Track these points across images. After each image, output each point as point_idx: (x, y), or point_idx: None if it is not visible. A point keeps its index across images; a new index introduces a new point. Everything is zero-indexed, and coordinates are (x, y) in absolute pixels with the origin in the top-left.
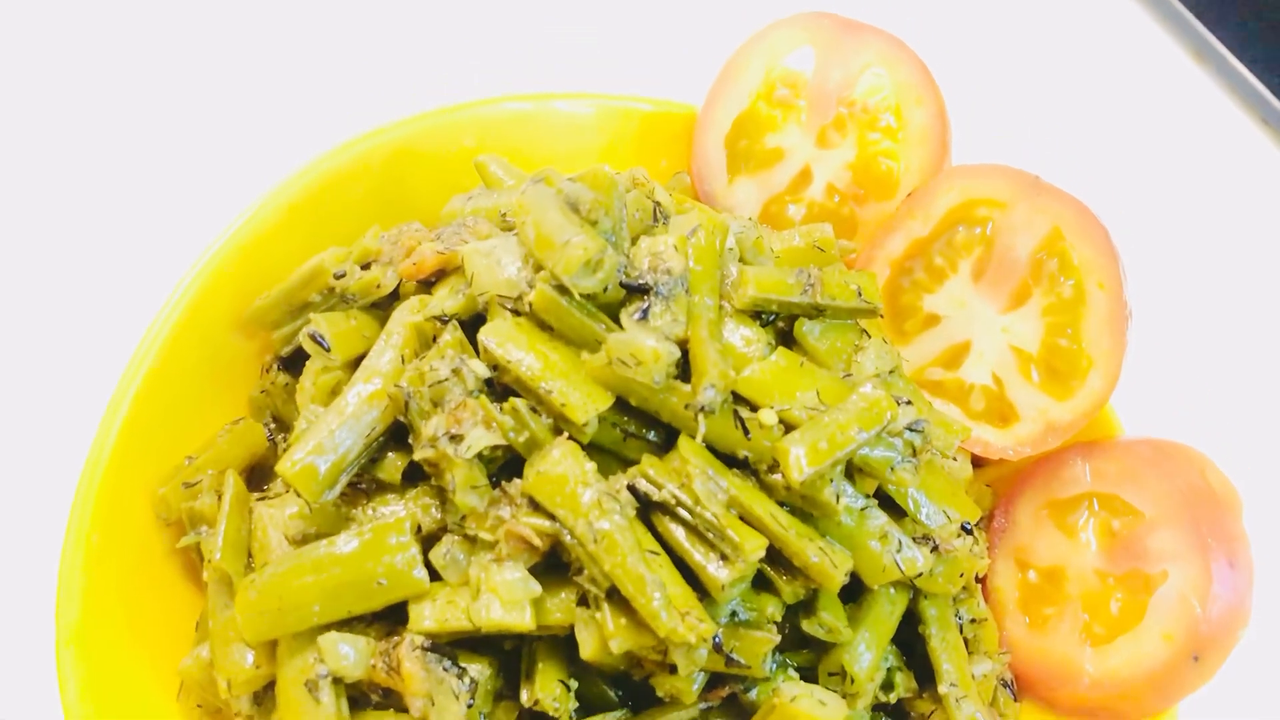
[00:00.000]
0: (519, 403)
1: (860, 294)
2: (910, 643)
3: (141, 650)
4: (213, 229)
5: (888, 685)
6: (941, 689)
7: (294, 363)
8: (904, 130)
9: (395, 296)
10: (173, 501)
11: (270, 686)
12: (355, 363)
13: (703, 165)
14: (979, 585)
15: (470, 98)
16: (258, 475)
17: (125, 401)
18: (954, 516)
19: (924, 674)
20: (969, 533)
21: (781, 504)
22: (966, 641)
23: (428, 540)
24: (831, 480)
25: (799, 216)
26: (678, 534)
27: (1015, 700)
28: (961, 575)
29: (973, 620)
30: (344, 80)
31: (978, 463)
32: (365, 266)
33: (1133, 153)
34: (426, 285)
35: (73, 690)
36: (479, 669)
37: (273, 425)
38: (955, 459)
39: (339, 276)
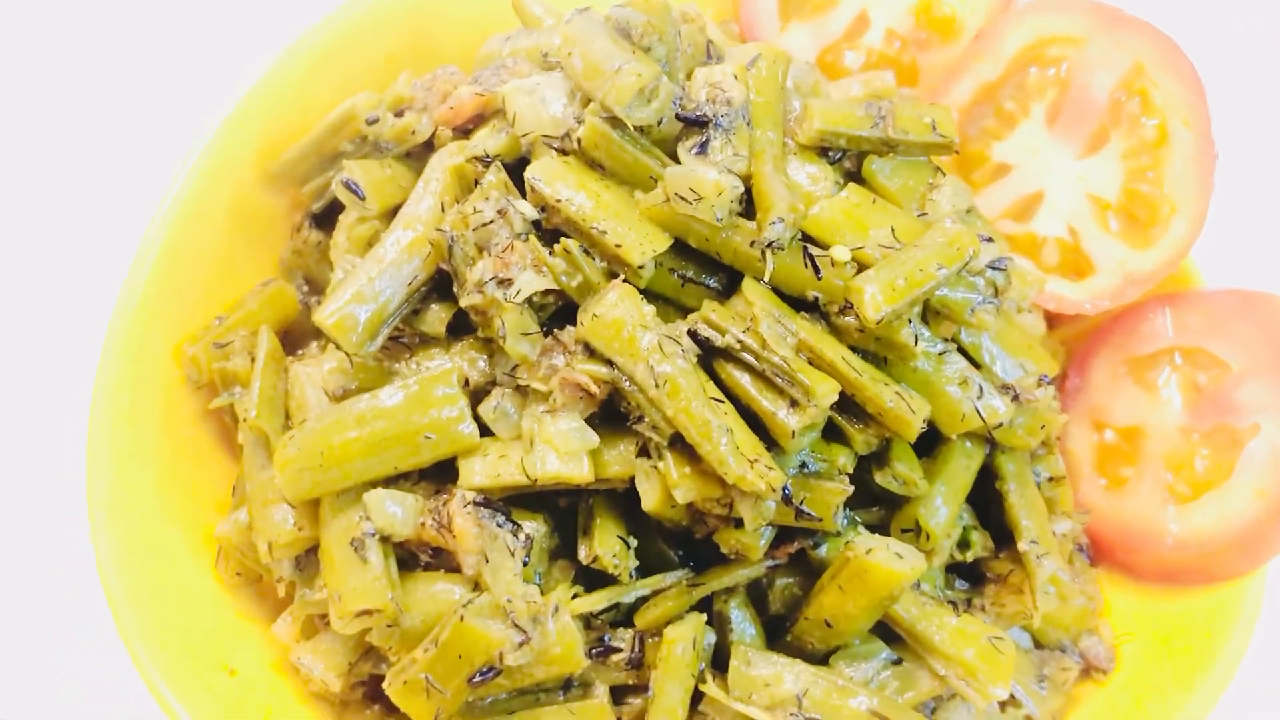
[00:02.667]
0: (570, 243)
1: (935, 128)
2: (984, 503)
3: (176, 516)
4: (237, 79)
5: (963, 544)
6: (1021, 546)
7: (326, 219)
8: None
9: (430, 147)
10: (204, 362)
11: (313, 550)
12: (392, 213)
13: (752, 11)
14: (1062, 462)
15: None
16: (290, 340)
17: (150, 258)
18: (1031, 370)
19: (999, 535)
20: (1049, 384)
21: (854, 348)
22: (1047, 504)
23: (476, 395)
24: (909, 321)
25: (857, 65)
26: (743, 381)
27: (1092, 565)
28: (1043, 428)
29: (1051, 479)
30: None
31: (1051, 320)
32: (399, 114)
33: None
34: (464, 133)
35: (107, 556)
36: (534, 526)
37: (305, 288)
38: (1030, 313)
39: (371, 122)
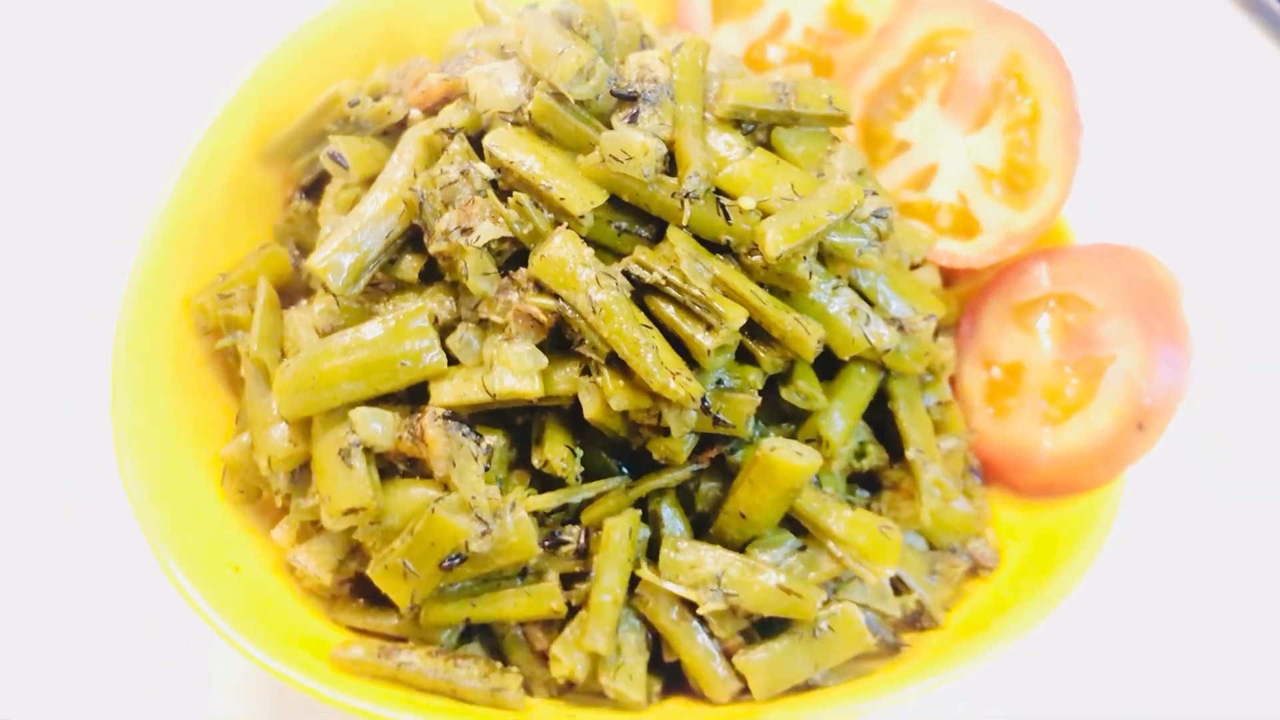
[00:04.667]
0: (523, 197)
1: (831, 102)
2: (883, 425)
3: (186, 441)
4: (234, 71)
5: (861, 455)
6: (909, 454)
7: (314, 190)
8: None
9: (404, 126)
10: (210, 310)
11: (305, 466)
12: (371, 181)
13: (688, 14)
14: (949, 384)
15: None
16: (284, 298)
17: (161, 225)
18: (920, 310)
19: (896, 452)
20: (933, 320)
21: (760, 284)
22: (936, 425)
23: (444, 330)
24: (805, 258)
25: (779, 60)
26: (668, 311)
27: (983, 485)
28: (926, 355)
29: (939, 403)
30: None
31: (949, 278)
32: (377, 98)
33: None
34: (433, 114)
35: (131, 473)
36: (494, 439)
37: (296, 252)
38: (926, 269)
39: (353, 104)
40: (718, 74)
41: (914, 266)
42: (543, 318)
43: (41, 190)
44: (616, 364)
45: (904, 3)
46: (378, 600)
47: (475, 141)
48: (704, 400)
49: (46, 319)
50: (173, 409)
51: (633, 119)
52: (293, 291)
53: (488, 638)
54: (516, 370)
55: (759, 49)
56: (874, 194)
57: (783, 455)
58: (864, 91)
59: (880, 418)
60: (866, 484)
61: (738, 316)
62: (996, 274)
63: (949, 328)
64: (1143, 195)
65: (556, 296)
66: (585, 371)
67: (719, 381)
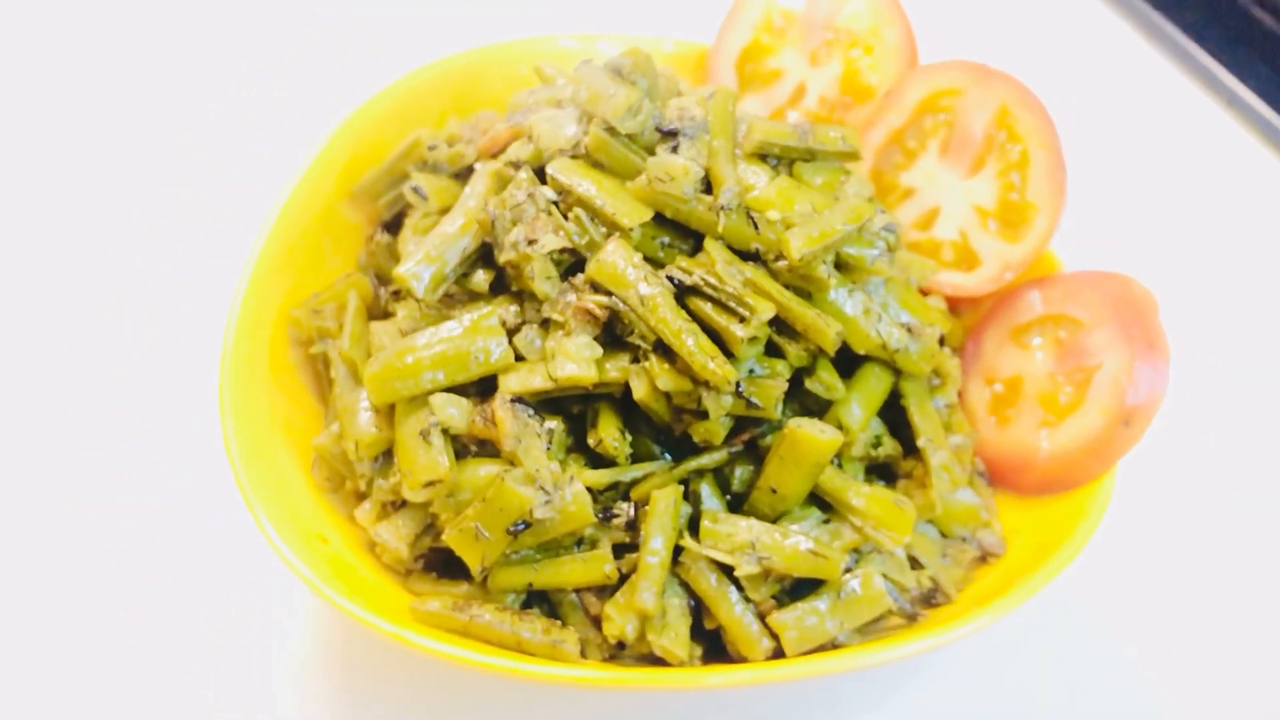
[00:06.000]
0: (580, 213)
1: (843, 139)
2: (897, 427)
3: (280, 434)
4: (328, 126)
5: (877, 445)
6: (919, 442)
7: (394, 226)
8: (879, 47)
9: (472, 172)
10: (303, 322)
11: (387, 452)
12: (446, 211)
13: (717, 85)
14: (957, 397)
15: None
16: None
17: (264, 252)
18: (926, 321)
19: (909, 450)
20: (936, 330)
21: (786, 286)
22: (944, 425)
23: (510, 333)
24: (824, 263)
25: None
26: (706, 308)
27: (989, 485)
28: (933, 356)
29: (947, 406)
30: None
31: (954, 311)
32: (451, 145)
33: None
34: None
35: (237, 455)
36: (555, 424)
37: (376, 282)
38: (934, 297)
39: (431, 148)
40: (745, 118)
41: (924, 294)
42: (598, 312)
43: (163, 221)
44: (662, 351)
45: (906, 69)
46: (448, 574)
47: (538, 174)
48: (738, 385)
49: (170, 329)
50: (270, 407)
51: (674, 150)
52: (372, 316)
53: (546, 605)
54: (576, 359)
55: (779, 115)
56: (883, 211)
57: (809, 431)
58: (873, 147)
59: (894, 418)
60: (883, 475)
61: (767, 309)
62: (995, 302)
63: (955, 351)
64: (1119, 225)
65: (610, 294)
66: (634, 360)
67: (750, 370)
